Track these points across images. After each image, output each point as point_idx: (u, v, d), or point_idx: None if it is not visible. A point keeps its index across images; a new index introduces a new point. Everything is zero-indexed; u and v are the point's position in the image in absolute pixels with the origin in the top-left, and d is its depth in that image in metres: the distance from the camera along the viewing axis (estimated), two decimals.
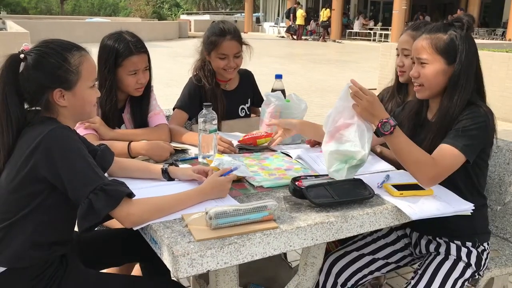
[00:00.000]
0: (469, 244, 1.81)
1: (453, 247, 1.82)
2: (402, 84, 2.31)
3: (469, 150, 1.63)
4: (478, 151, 1.69)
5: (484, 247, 1.83)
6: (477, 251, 1.81)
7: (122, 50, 2.09)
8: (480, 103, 1.71)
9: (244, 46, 2.50)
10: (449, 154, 1.63)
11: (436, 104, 1.81)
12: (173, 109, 2.51)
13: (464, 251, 1.81)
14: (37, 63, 1.46)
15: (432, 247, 1.87)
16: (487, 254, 1.85)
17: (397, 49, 2.28)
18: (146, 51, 2.17)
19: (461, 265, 1.79)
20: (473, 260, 1.80)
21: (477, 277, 1.85)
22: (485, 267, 1.85)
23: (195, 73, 2.53)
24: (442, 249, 1.84)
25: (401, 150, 1.63)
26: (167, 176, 1.76)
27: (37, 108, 1.50)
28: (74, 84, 1.50)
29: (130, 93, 2.19)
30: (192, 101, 2.45)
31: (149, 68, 2.20)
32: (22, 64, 1.46)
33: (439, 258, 1.82)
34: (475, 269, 1.80)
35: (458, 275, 1.77)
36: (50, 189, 1.43)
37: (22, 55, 1.46)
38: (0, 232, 1.45)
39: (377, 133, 1.62)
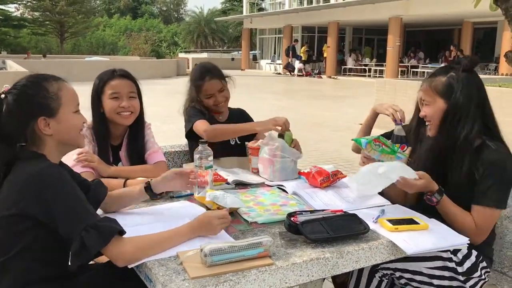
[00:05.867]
0: (469, 249, 1.80)
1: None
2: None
3: (502, 201, 1.81)
4: (509, 194, 1.84)
5: (483, 265, 1.83)
6: (475, 259, 1.81)
7: (105, 76, 2.24)
8: (492, 143, 1.80)
9: (228, 79, 2.65)
10: (487, 216, 1.80)
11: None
12: (191, 128, 2.47)
13: (462, 252, 1.79)
14: (17, 97, 1.49)
15: None
16: (483, 277, 1.83)
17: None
18: (129, 78, 2.26)
19: (453, 264, 1.76)
20: (467, 264, 1.78)
21: None
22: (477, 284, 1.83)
23: (192, 105, 2.60)
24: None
25: (446, 215, 1.82)
26: (150, 192, 1.79)
27: (22, 144, 1.49)
28: (56, 110, 1.52)
29: (115, 120, 2.22)
30: (204, 114, 2.53)
31: (139, 99, 2.26)
32: (4, 104, 1.48)
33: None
34: (464, 270, 1.77)
35: (444, 266, 1.75)
36: (39, 227, 1.42)
37: (3, 95, 1.49)
38: None
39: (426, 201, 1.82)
